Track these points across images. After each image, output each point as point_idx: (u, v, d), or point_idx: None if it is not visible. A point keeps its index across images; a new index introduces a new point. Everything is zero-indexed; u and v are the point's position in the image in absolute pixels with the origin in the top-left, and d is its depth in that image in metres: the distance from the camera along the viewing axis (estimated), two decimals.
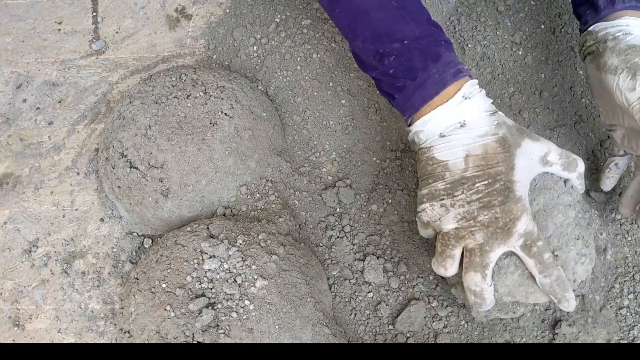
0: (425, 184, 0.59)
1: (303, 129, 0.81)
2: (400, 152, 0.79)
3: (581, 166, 0.60)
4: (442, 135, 0.58)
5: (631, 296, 0.67)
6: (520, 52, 0.80)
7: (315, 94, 0.81)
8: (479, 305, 0.58)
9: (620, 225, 0.70)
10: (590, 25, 0.65)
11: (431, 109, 0.58)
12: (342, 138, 0.80)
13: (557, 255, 0.57)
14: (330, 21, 0.85)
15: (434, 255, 0.60)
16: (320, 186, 0.77)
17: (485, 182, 0.55)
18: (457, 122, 0.57)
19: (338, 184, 0.77)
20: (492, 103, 0.60)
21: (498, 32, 0.81)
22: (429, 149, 0.58)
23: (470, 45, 0.81)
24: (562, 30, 0.81)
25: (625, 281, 0.67)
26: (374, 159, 0.79)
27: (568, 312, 0.66)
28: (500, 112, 0.59)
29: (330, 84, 0.82)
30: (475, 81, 0.59)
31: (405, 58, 0.59)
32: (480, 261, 0.56)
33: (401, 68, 0.59)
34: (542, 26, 0.81)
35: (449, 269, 0.58)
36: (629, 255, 0.68)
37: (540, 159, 0.58)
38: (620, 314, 0.66)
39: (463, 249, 0.57)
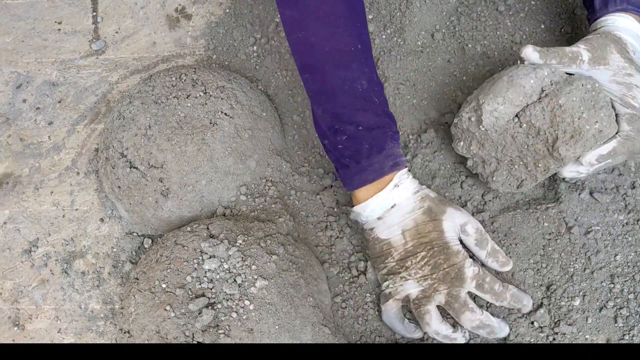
0: (380, 263, 0.69)
1: (303, 129, 0.81)
2: None
3: (492, 247, 0.67)
4: (379, 218, 0.67)
5: (631, 296, 0.67)
6: None
7: None
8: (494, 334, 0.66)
9: (622, 226, 0.70)
10: (591, 24, 0.71)
11: (369, 196, 0.67)
12: None
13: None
14: None
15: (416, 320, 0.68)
16: (320, 186, 0.77)
17: (425, 249, 0.65)
18: (390, 206, 0.67)
19: (336, 183, 0.77)
20: (420, 183, 0.70)
21: (498, 32, 0.81)
22: (372, 230, 0.68)
23: (470, 45, 0.81)
24: (562, 30, 0.81)
25: (625, 281, 0.67)
26: None
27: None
28: (425, 189, 0.68)
29: None
30: (406, 170, 0.68)
31: (355, 142, 0.66)
32: (459, 305, 0.64)
33: (349, 149, 0.67)
34: (542, 26, 0.81)
35: (431, 322, 0.65)
36: (629, 256, 0.68)
37: (460, 225, 0.67)
38: (620, 314, 0.66)
39: (437, 305, 0.66)
